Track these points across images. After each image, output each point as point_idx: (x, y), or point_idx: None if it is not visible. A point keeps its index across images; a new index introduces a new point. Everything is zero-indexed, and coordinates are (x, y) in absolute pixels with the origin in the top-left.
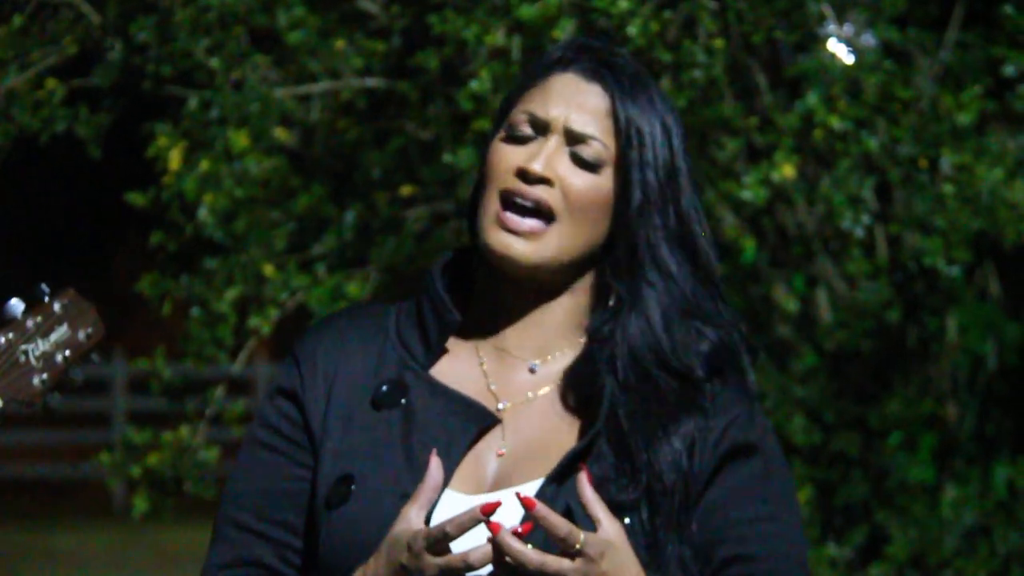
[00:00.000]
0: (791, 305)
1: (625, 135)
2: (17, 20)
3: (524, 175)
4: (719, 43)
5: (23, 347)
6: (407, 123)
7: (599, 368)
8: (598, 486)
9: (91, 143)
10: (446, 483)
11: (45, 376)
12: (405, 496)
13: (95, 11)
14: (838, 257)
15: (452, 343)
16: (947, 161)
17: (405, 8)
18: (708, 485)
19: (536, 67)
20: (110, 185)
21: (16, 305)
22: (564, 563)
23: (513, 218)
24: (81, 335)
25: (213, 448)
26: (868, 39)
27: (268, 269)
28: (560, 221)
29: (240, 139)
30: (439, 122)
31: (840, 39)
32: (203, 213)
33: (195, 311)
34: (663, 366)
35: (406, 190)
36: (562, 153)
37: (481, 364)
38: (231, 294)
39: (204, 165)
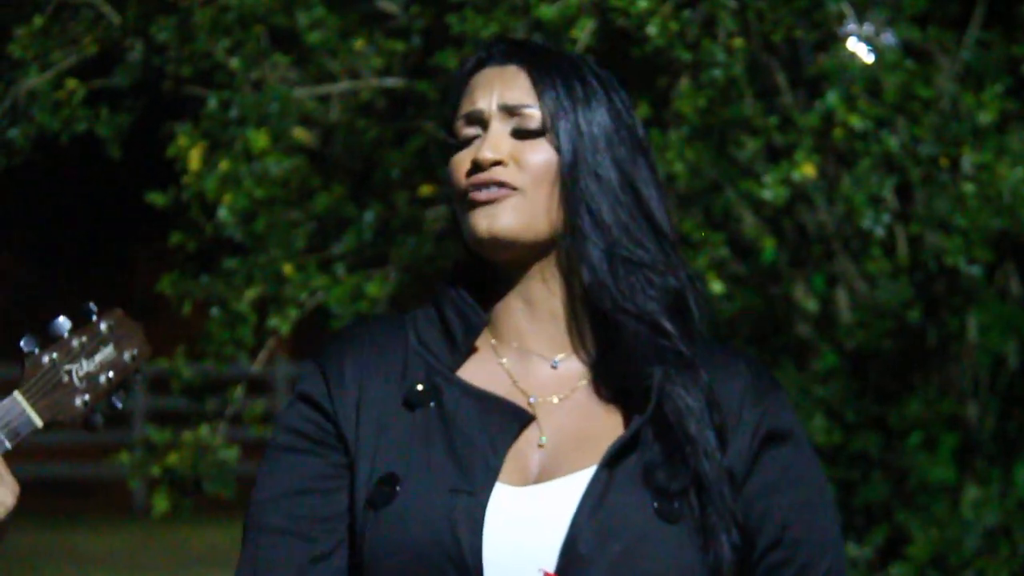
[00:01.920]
0: (811, 305)
1: (551, 100)
2: (38, 21)
3: (476, 166)
4: (739, 42)
5: (67, 367)
6: (426, 123)
7: (634, 356)
8: (646, 473)
9: (111, 143)
10: (496, 475)
11: (88, 397)
12: (454, 491)
13: (115, 12)
14: (858, 257)
15: (475, 347)
16: (968, 160)
17: (424, 8)
18: (749, 473)
19: (457, 81)
20: (130, 185)
21: (63, 323)
22: None
23: (477, 193)
24: (127, 356)
25: (233, 448)
26: (888, 38)
27: (288, 269)
28: (525, 191)
29: (260, 139)
30: None
31: (860, 38)
32: (223, 213)
33: (215, 311)
34: (622, 311)
35: (425, 190)
36: (503, 133)
37: (502, 363)
38: (251, 294)
39: (224, 165)
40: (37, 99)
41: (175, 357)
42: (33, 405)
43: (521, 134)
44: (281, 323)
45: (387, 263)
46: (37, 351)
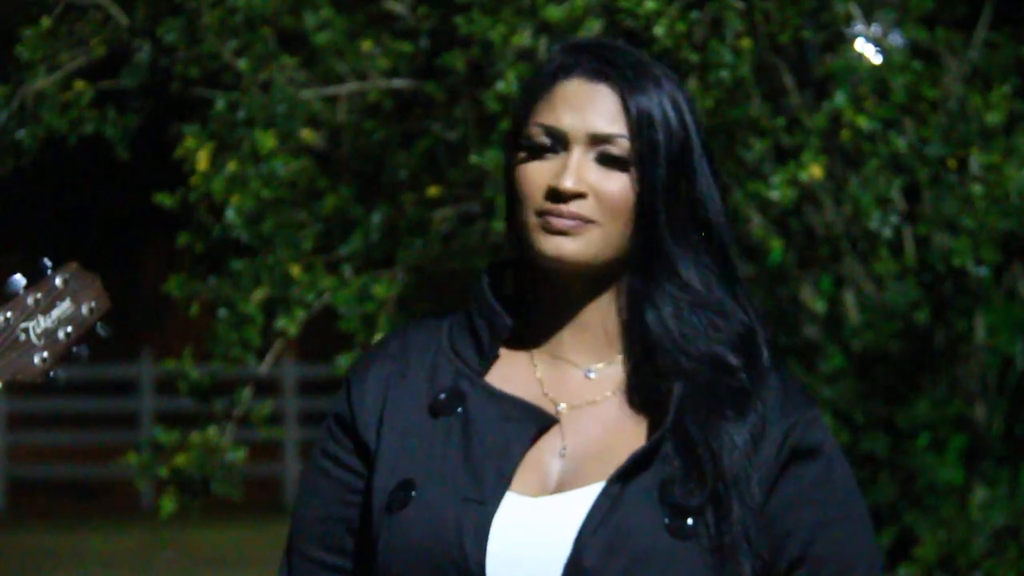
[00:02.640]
0: (819, 306)
1: (641, 128)
2: (45, 22)
3: (556, 194)
4: (746, 43)
5: (23, 325)
6: (434, 124)
7: (661, 370)
8: (663, 488)
9: (119, 144)
10: (507, 485)
11: (46, 354)
12: (466, 500)
13: (123, 13)
14: (866, 258)
15: (505, 352)
16: (976, 161)
17: (432, 9)
18: (772, 489)
19: (539, 79)
20: (138, 186)
21: (17, 281)
22: None
23: (556, 220)
24: (84, 309)
25: (240, 449)
26: (896, 39)
27: (295, 270)
28: (602, 224)
29: (267, 140)
30: (466, 123)
31: (868, 39)
32: (230, 214)
33: (222, 312)
34: (681, 351)
35: (433, 191)
36: (588, 160)
37: (535, 370)
38: (258, 295)
39: (231, 166)
40: (45, 100)
41: (182, 358)
42: None
43: (605, 160)
44: (288, 324)
45: (394, 264)
46: None
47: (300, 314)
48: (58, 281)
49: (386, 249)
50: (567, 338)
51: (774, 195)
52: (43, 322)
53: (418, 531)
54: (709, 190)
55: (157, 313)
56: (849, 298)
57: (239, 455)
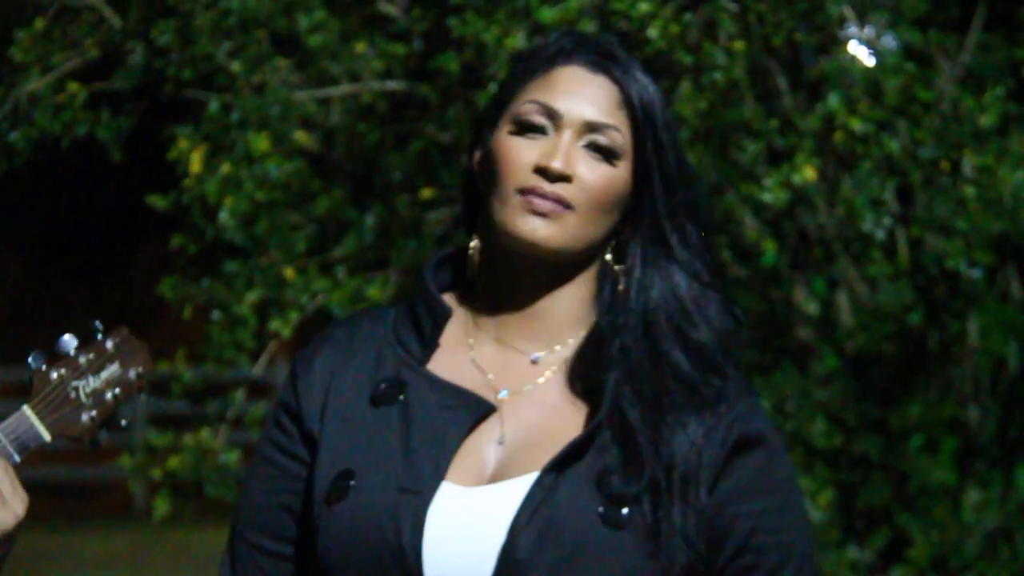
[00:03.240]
0: (812, 308)
1: (641, 123)
2: (39, 24)
3: (544, 173)
4: (740, 45)
5: (74, 383)
6: (427, 126)
7: (607, 356)
8: (600, 478)
9: (112, 146)
10: (443, 475)
11: (94, 413)
12: (402, 491)
13: (116, 15)
14: (859, 260)
15: (452, 338)
16: (969, 163)
17: (425, 11)
18: (716, 480)
19: (536, 59)
20: (131, 188)
21: (69, 341)
22: None
23: (539, 201)
24: (132, 373)
25: (234, 451)
26: (889, 41)
27: (288, 272)
28: (578, 211)
29: (261, 142)
30: (459, 125)
31: (861, 41)
32: (224, 216)
33: (216, 314)
34: (681, 334)
35: (426, 193)
36: (577, 148)
37: (481, 357)
38: (251, 297)
39: (225, 168)
40: (38, 102)
41: (176, 360)
42: (42, 420)
43: (594, 149)
44: (282, 326)
45: (388, 266)
46: (45, 367)
47: (294, 316)
48: (109, 344)
49: (380, 251)
50: (516, 324)
51: (767, 197)
52: (92, 382)
53: (356, 522)
54: (697, 188)
55: (150, 315)
56: (842, 300)
57: (232, 457)
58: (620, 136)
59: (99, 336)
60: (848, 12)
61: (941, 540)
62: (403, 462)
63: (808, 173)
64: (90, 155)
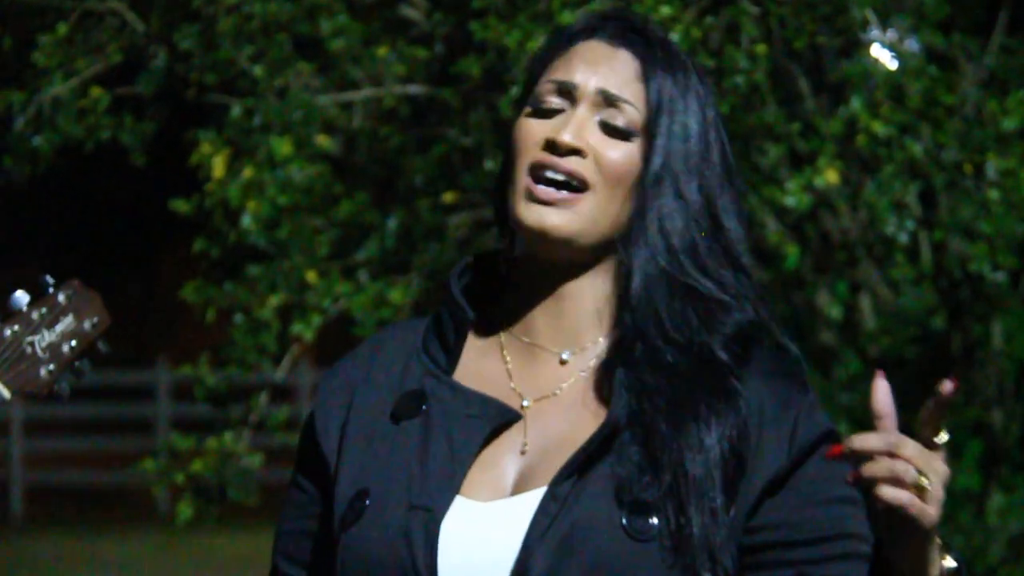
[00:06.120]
0: (834, 311)
1: (656, 101)
2: (62, 29)
3: (553, 146)
4: (761, 49)
5: (29, 338)
6: (449, 130)
7: (628, 359)
8: (619, 485)
9: (135, 151)
10: (457, 489)
11: (52, 367)
12: (413, 508)
13: (139, 20)
14: (882, 263)
15: (479, 343)
16: (992, 166)
17: (447, 15)
18: (786, 479)
19: (559, 38)
20: (154, 193)
21: (21, 297)
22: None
23: (545, 190)
24: (87, 325)
25: (256, 455)
26: (912, 44)
27: (311, 276)
28: (594, 191)
29: (283, 146)
30: (481, 129)
31: (884, 44)
32: (246, 220)
33: (238, 318)
34: (666, 340)
35: (448, 197)
36: (592, 121)
37: (506, 361)
38: (274, 301)
39: (247, 172)
40: (61, 107)
41: (199, 364)
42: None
43: (608, 128)
44: (304, 330)
45: (410, 270)
46: None
47: (316, 320)
48: (61, 297)
49: (402, 255)
50: (542, 323)
51: (790, 201)
52: (48, 336)
53: (370, 543)
54: (723, 186)
55: (173, 319)
56: (865, 304)
57: (255, 461)
58: (636, 112)
59: (50, 290)
60: (871, 15)
61: (965, 545)
62: (420, 477)
63: (830, 176)
64: (113, 160)
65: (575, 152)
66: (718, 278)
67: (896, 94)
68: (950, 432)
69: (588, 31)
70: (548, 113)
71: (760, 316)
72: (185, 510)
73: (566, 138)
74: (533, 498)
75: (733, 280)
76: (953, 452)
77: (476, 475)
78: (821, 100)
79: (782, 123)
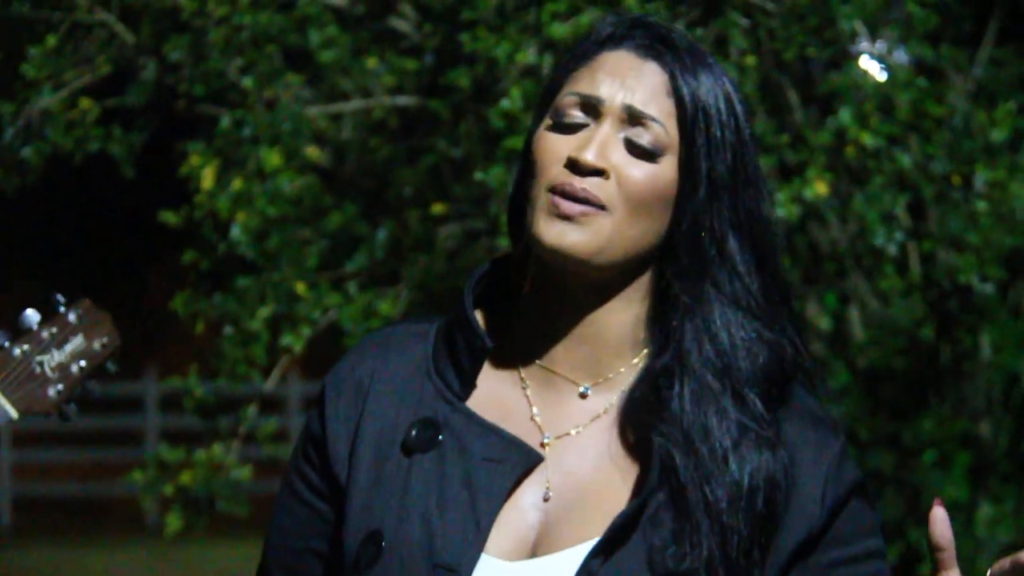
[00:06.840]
0: (824, 322)
1: (691, 116)
2: (51, 40)
3: (575, 166)
4: (751, 60)
5: (38, 358)
6: (439, 141)
7: (657, 404)
8: (651, 556)
9: (124, 162)
10: (482, 547)
11: (61, 387)
12: (437, 567)
13: (128, 31)
14: (871, 274)
15: (495, 366)
16: (981, 178)
17: (437, 27)
18: (819, 540)
19: (584, 46)
20: (143, 204)
21: (31, 316)
22: None
23: (565, 203)
24: (96, 345)
25: (246, 466)
26: (901, 56)
27: (300, 287)
28: (614, 212)
29: (272, 158)
30: (471, 140)
31: (872, 56)
32: (236, 232)
33: (228, 329)
34: (731, 391)
35: (438, 208)
36: (616, 139)
37: (525, 389)
38: (263, 312)
39: (237, 184)
40: (50, 118)
41: (188, 376)
42: (7, 397)
43: (633, 147)
44: (294, 341)
45: (399, 281)
46: (7, 344)
47: (305, 331)
48: (71, 317)
49: (391, 266)
50: (561, 349)
51: (779, 212)
52: (57, 356)
53: None
54: (762, 193)
55: (162, 330)
56: (854, 315)
57: (244, 473)
58: (663, 131)
59: (61, 309)
60: (859, 27)
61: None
62: (439, 528)
63: (820, 188)
64: (102, 171)
65: (598, 173)
66: (766, 314)
67: (885, 106)
68: (939, 444)
69: (615, 40)
70: (570, 128)
71: (800, 354)
72: (174, 522)
73: (589, 157)
74: (563, 563)
75: (762, 304)
76: (942, 463)
77: (498, 527)
78: (810, 112)
79: (771, 134)
